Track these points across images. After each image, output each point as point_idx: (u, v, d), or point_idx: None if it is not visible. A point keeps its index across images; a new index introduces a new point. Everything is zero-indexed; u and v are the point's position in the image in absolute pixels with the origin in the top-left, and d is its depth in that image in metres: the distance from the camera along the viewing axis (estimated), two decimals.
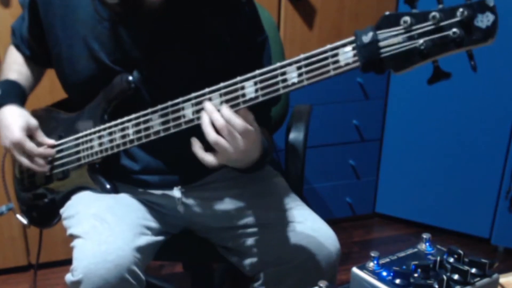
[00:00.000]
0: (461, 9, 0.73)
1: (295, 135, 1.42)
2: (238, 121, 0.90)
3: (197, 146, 0.95)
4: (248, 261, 1.14)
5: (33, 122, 1.16)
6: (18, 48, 1.25)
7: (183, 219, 1.20)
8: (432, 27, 0.75)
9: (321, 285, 0.78)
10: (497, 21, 0.72)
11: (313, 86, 0.87)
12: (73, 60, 1.11)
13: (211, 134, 0.91)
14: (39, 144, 1.16)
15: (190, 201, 1.18)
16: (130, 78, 1.07)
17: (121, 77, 1.08)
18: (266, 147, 1.03)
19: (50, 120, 1.21)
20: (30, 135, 1.15)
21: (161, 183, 1.17)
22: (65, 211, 1.17)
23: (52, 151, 1.17)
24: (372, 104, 2.26)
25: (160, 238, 1.14)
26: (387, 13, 0.78)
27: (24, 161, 1.15)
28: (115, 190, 1.15)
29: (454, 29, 0.74)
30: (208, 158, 0.94)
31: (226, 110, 0.91)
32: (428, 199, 2.30)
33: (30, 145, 1.13)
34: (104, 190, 1.14)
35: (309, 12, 2.04)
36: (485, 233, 2.22)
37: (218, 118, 0.91)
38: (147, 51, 1.08)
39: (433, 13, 0.75)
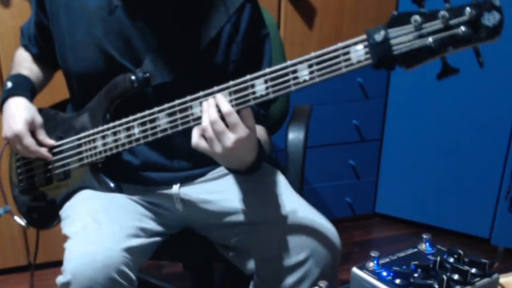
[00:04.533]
0: (468, 8, 0.76)
1: (295, 135, 1.42)
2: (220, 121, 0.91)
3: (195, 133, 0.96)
4: (247, 259, 1.13)
5: (39, 118, 1.17)
6: (26, 48, 1.28)
7: (181, 217, 1.20)
8: (441, 25, 0.78)
9: (321, 285, 0.78)
10: (503, 20, 0.75)
11: (313, 86, 0.88)
12: (76, 47, 1.12)
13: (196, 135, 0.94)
14: (39, 143, 1.16)
15: (188, 199, 1.18)
16: (133, 77, 1.08)
17: (124, 76, 1.08)
18: (263, 150, 1.03)
19: (49, 120, 1.21)
20: (33, 130, 1.16)
21: (160, 180, 1.17)
22: (63, 211, 1.17)
23: (49, 154, 1.17)
24: (372, 104, 2.26)
25: (155, 239, 1.14)
26: (395, 12, 0.81)
27: (22, 152, 1.17)
28: (119, 189, 1.15)
29: (463, 27, 0.77)
30: (201, 144, 0.95)
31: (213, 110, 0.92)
32: (428, 199, 2.30)
33: (29, 140, 1.14)
34: (109, 189, 1.14)
35: (309, 12, 2.05)
36: (485, 233, 2.22)
37: (205, 117, 0.93)
38: (153, 44, 1.09)
39: (442, 12, 0.78)
